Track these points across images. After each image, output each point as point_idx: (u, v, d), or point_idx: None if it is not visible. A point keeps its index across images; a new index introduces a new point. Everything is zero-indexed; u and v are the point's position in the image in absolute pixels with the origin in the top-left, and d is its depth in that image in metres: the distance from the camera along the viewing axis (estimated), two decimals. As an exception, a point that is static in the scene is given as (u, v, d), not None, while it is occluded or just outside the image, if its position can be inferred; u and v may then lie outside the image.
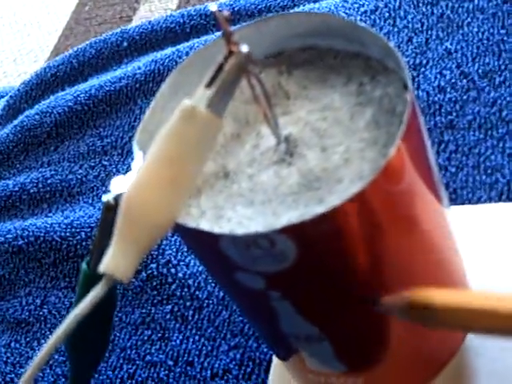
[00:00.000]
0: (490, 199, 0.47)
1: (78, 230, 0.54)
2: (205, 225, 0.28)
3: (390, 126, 0.29)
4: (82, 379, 0.41)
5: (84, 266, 0.33)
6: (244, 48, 0.26)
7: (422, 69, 0.55)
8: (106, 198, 0.28)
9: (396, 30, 0.59)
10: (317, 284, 0.29)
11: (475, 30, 0.56)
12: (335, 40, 0.32)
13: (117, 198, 0.28)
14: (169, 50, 0.65)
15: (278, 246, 0.26)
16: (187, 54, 0.63)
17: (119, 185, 0.28)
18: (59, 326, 0.27)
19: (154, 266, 0.50)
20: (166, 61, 0.63)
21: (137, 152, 0.28)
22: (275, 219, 0.28)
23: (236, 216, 0.28)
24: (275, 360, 0.42)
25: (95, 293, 0.26)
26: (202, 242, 0.28)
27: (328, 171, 0.28)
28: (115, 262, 0.25)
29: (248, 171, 0.30)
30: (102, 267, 0.25)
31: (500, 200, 0.46)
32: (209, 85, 0.25)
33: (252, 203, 0.28)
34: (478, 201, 0.47)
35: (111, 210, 0.27)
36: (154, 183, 0.25)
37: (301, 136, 0.30)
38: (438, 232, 0.34)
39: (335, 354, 0.34)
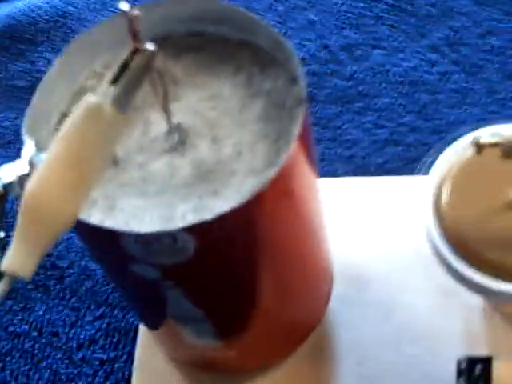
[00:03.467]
0: (346, 173, 0.49)
1: None
2: (96, 214, 0.28)
3: (279, 121, 0.29)
4: None
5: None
6: (150, 46, 0.25)
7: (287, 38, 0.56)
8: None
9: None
10: (211, 275, 0.30)
11: (338, 1, 0.58)
12: (224, 27, 0.32)
13: (6, 187, 0.27)
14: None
15: (178, 243, 0.27)
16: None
17: (8, 173, 0.27)
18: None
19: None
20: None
21: (27, 139, 0.27)
22: (170, 211, 0.28)
23: (129, 207, 0.28)
24: (142, 329, 0.43)
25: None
26: (98, 236, 0.28)
27: (221, 163, 0.29)
28: (17, 260, 0.24)
29: (138, 159, 0.29)
30: (4, 266, 0.24)
31: (356, 174, 0.49)
32: (114, 81, 0.25)
33: (145, 194, 0.28)
34: (335, 174, 0.49)
35: (1, 198, 0.26)
36: (57, 182, 0.24)
37: (191, 125, 0.30)
38: (318, 212, 0.36)
39: (214, 331, 0.35)
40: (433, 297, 0.42)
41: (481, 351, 0.40)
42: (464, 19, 0.56)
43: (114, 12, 0.59)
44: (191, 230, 0.26)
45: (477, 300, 0.40)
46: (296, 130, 0.28)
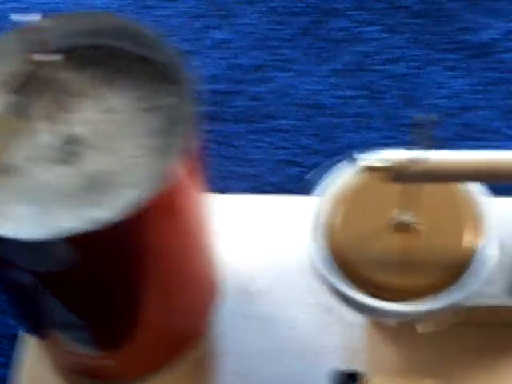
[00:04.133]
0: (242, 190, 0.50)
1: None
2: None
3: (170, 136, 0.30)
4: None
5: None
6: (54, 57, 0.26)
7: (198, 56, 0.57)
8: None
9: (177, 13, 0.60)
10: (90, 284, 0.31)
11: (250, 22, 0.59)
12: (126, 42, 0.32)
13: None
14: None
15: (57, 251, 0.27)
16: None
17: None
18: None
19: None
20: None
21: None
22: (55, 221, 0.28)
23: (15, 215, 0.28)
24: (25, 336, 0.43)
25: None
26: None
27: (108, 175, 0.29)
28: None
29: (27, 167, 0.30)
30: None
31: (252, 192, 0.49)
32: (16, 91, 0.25)
33: (32, 202, 0.29)
34: (231, 191, 0.50)
35: None
36: None
37: (84, 136, 0.31)
38: (204, 228, 0.37)
39: (93, 340, 0.36)
40: (315, 312, 0.43)
41: (360, 367, 0.41)
42: (372, 45, 0.57)
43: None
44: (71, 239, 0.27)
45: (358, 317, 0.42)
46: (183, 145, 0.29)
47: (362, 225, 0.38)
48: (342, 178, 0.40)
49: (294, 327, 0.43)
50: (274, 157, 0.52)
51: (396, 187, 0.36)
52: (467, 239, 0.37)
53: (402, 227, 0.37)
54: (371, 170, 0.35)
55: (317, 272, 0.38)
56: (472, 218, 0.38)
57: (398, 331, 0.42)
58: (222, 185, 0.50)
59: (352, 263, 0.37)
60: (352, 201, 0.39)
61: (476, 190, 0.38)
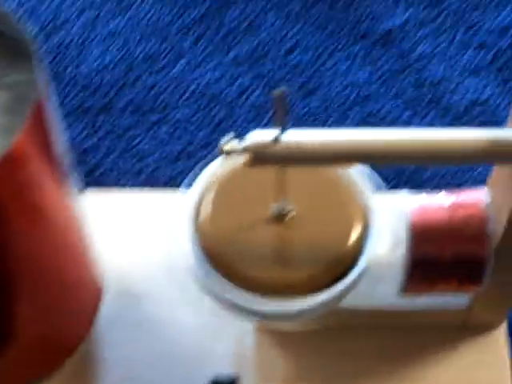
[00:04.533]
0: (134, 185, 0.48)
1: None
2: None
3: (20, 114, 0.28)
4: None
5: None
6: None
7: (86, 47, 0.55)
8: None
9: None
10: None
11: (145, 11, 0.57)
12: None
13: None
14: None
15: None
16: None
17: None
18: None
19: None
20: None
21: None
22: None
23: None
24: None
25: None
26: None
27: None
28: None
29: None
30: None
31: (145, 186, 0.48)
32: None
33: None
34: (123, 185, 0.48)
35: None
36: None
37: None
38: (66, 217, 0.34)
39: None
40: (204, 315, 0.41)
41: (249, 371, 0.39)
42: (270, 34, 0.56)
43: None
44: None
45: (248, 322, 0.40)
46: (29, 124, 0.27)
47: (235, 217, 0.35)
48: (215, 170, 0.37)
49: (183, 332, 0.41)
50: (168, 149, 0.50)
51: (273, 177, 0.33)
52: (352, 233, 0.35)
53: (280, 219, 0.35)
54: (230, 153, 0.31)
55: (189, 269, 0.36)
56: (359, 212, 0.35)
57: (288, 336, 0.41)
58: (114, 179, 0.48)
59: (225, 258, 0.34)
60: (226, 194, 0.36)
61: (368, 183, 0.36)
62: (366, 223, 0.35)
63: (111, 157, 0.49)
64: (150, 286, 0.42)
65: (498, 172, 0.35)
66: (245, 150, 0.31)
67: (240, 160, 0.35)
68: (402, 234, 0.36)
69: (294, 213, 0.35)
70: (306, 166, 0.33)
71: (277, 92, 0.29)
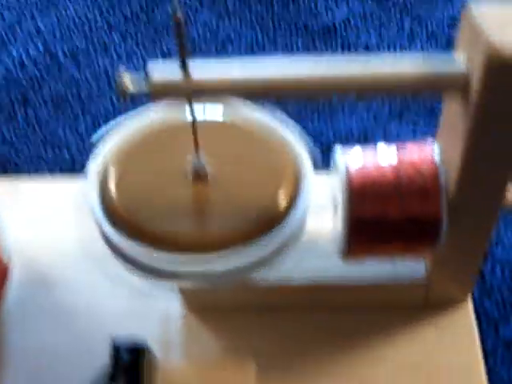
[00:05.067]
0: (54, 173, 0.47)
1: None
2: None
3: None
4: None
5: None
6: None
7: (9, 45, 0.54)
8: None
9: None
10: None
11: (69, 10, 0.56)
12: None
13: None
14: None
15: None
16: None
17: None
18: None
19: None
20: None
21: None
22: None
23: None
24: None
25: None
26: None
27: None
28: None
29: None
30: None
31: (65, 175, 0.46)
32: None
33: None
34: (42, 174, 0.47)
35: None
36: None
37: None
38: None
39: None
40: (128, 299, 0.38)
41: (175, 355, 0.36)
42: (202, 29, 0.55)
43: None
44: None
45: (174, 304, 0.38)
46: None
47: (147, 178, 0.32)
48: (120, 133, 0.34)
49: (103, 317, 0.38)
50: (86, 140, 0.48)
51: (184, 134, 0.31)
52: (278, 190, 0.32)
53: (198, 177, 0.32)
54: (125, 92, 0.27)
55: (102, 236, 0.32)
56: (289, 169, 0.32)
57: (218, 317, 0.38)
58: (33, 169, 0.46)
59: (136, 218, 0.31)
60: (135, 153, 0.33)
61: (299, 140, 0.33)
62: (297, 181, 0.32)
63: (28, 148, 0.47)
64: (66, 273, 0.39)
65: (445, 123, 0.32)
66: (151, 87, 0.27)
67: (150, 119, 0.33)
68: (339, 193, 0.33)
69: (212, 170, 0.32)
70: (215, 100, 0.30)
71: (175, 17, 0.26)
